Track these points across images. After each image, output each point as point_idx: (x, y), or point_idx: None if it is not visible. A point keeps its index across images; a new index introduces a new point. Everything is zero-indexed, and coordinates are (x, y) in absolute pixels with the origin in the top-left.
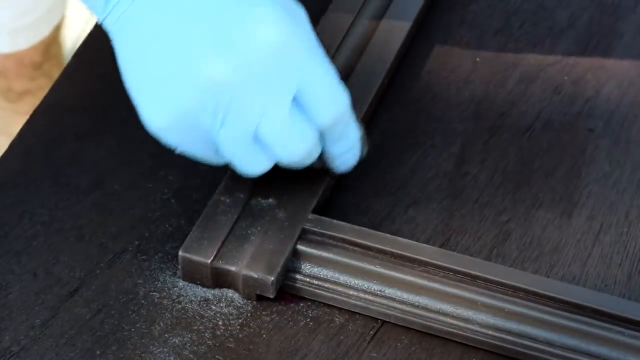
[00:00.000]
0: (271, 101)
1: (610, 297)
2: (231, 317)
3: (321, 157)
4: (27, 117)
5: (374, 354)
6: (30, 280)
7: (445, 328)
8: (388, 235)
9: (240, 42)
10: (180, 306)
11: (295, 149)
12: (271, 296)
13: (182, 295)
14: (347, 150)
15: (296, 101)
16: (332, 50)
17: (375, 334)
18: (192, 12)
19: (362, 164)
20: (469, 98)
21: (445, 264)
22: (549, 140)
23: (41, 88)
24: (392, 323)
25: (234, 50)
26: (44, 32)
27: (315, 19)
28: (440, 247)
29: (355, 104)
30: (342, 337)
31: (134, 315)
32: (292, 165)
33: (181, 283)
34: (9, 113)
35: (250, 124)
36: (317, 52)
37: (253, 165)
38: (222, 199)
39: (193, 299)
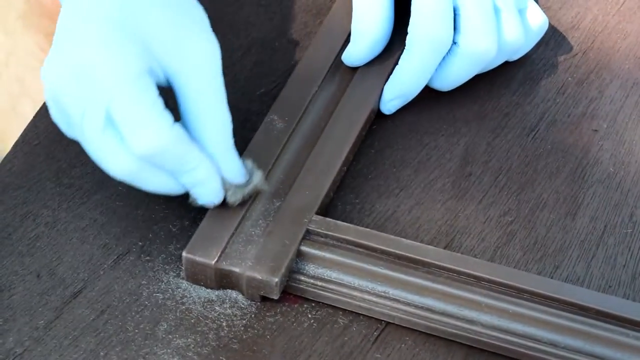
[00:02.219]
0: (87, 113)
1: (614, 298)
2: (235, 318)
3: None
4: None
5: (378, 355)
6: (33, 281)
7: (449, 329)
8: (392, 236)
9: (69, 51)
10: (184, 307)
11: (110, 168)
12: (275, 297)
13: (186, 296)
14: (194, 184)
15: (110, 122)
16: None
17: (379, 335)
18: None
19: (364, 165)
20: (473, 98)
21: (449, 265)
22: (553, 141)
23: None
24: (396, 324)
25: (63, 57)
26: None
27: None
28: (444, 248)
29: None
30: (346, 339)
31: (137, 316)
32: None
33: (185, 284)
34: None
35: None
36: (135, 83)
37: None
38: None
39: (197, 300)
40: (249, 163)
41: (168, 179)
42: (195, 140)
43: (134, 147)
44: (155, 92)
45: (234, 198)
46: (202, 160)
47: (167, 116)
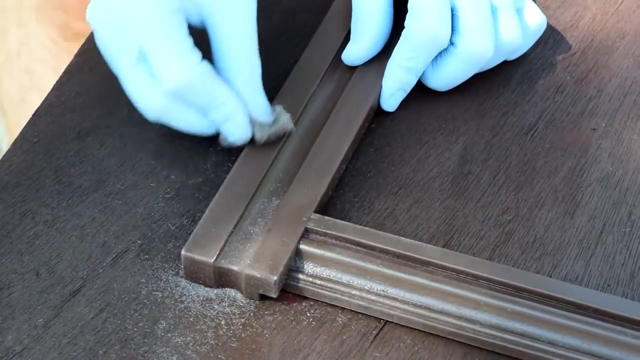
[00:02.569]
0: (122, 48)
1: (613, 297)
2: (234, 317)
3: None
4: (77, 58)
5: (377, 354)
6: (32, 279)
7: (448, 328)
8: (391, 234)
9: None
10: (182, 306)
11: (142, 104)
12: (274, 296)
13: (185, 294)
14: (223, 120)
15: (143, 59)
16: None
17: (378, 333)
18: None
19: (363, 163)
20: (472, 97)
21: (447, 264)
22: (551, 140)
23: None
24: (395, 323)
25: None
26: None
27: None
28: (443, 246)
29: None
30: (344, 337)
31: (136, 314)
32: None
33: (184, 282)
34: (61, 50)
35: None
36: (166, 20)
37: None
38: (224, 198)
39: (195, 298)
40: (277, 107)
41: (197, 116)
42: (224, 78)
43: (163, 81)
44: (185, 30)
45: (260, 134)
46: (230, 96)
47: (196, 53)
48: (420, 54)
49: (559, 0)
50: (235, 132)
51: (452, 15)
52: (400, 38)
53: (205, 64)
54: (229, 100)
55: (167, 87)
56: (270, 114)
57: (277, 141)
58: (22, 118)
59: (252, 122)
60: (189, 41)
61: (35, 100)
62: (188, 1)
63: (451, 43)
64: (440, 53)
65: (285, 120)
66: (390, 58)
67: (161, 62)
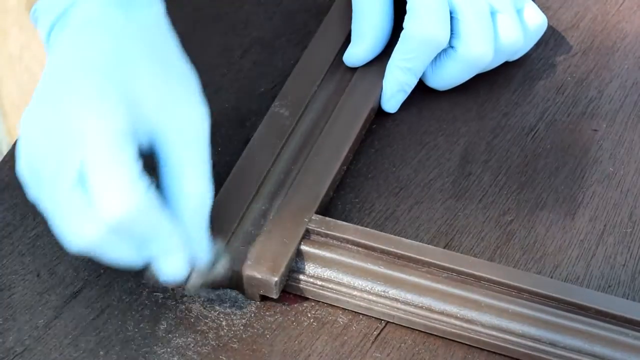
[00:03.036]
0: (59, 168)
1: (614, 297)
2: (235, 318)
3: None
4: None
5: (378, 355)
6: (33, 280)
7: (448, 329)
8: (391, 235)
9: (50, 101)
10: (183, 306)
11: (71, 235)
12: (275, 296)
13: (186, 295)
14: (158, 257)
15: (81, 182)
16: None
17: (378, 334)
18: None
19: (364, 164)
20: (473, 98)
21: (448, 265)
22: (552, 141)
23: None
24: (396, 324)
25: (43, 107)
26: None
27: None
28: (444, 247)
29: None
30: (345, 338)
31: (137, 315)
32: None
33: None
34: None
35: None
36: (114, 142)
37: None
38: (225, 200)
39: (197, 299)
40: (217, 247)
41: (130, 250)
42: (171, 209)
43: (103, 211)
44: (133, 155)
45: (196, 279)
46: (172, 234)
47: (142, 181)
48: (419, 55)
49: (559, 0)
50: (169, 272)
51: (452, 18)
52: (399, 39)
53: (151, 194)
54: (171, 237)
55: (106, 218)
56: (208, 257)
57: (273, 148)
58: None
59: (190, 266)
60: (136, 167)
61: None
62: (139, 123)
63: (451, 46)
64: (440, 56)
65: (221, 268)
66: (390, 59)
67: (103, 189)
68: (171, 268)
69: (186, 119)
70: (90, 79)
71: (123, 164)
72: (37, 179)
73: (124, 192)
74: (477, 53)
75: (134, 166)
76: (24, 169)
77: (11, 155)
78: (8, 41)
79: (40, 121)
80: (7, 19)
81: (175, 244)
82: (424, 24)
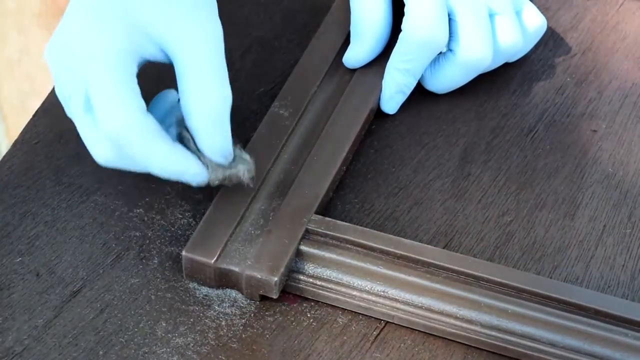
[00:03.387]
0: (72, 92)
1: (613, 298)
2: (234, 318)
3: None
4: None
5: (377, 355)
6: (33, 280)
7: (448, 329)
8: (391, 236)
9: (60, 31)
10: (183, 306)
11: (91, 152)
12: (274, 296)
13: (186, 295)
14: (169, 176)
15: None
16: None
17: (378, 334)
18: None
19: (364, 164)
20: (472, 99)
21: (448, 265)
22: (552, 141)
23: None
24: (395, 324)
25: (56, 37)
26: None
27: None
28: (444, 247)
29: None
30: (345, 338)
31: (137, 315)
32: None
33: (184, 283)
34: None
35: (68, 99)
36: (110, 65)
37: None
38: (225, 199)
39: (196, 299)
40: (238, 149)
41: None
42: (186, 114)
43: (102, 126)
44: (132, 74)
45: (214, 175)
46: (169, 155)
47: (138, 101)
48: (417, 56)
49: (559, 1)
50: (189, 180)
51: (450, 20)
52: (397, 41)
53: (147, 116)
54: (168, 159)
55: (106, 132)
56: (228, 158)
57: (273, 148)
58: (22, 123)
59: (206, 162)
60: (134, 87)
61: (36, 106)
62: (143, 37)
63: (450, 50)
64: (438, 58)
65: (242, 169)
66: (388, 61)
67: (100, 108)
68: (188, 178)
69: (196, 34)
70: (92, 4)
71: (119, 83)
72: (64, 103)
73: (118, 110)
74: (476, 56)
75: (131, 86)
76: (57, 94)
77: (10, 155)
78: (7, 45)
79: (54, 49)
80: (6, 23)
81: (175, 166)
82: (422, 26)
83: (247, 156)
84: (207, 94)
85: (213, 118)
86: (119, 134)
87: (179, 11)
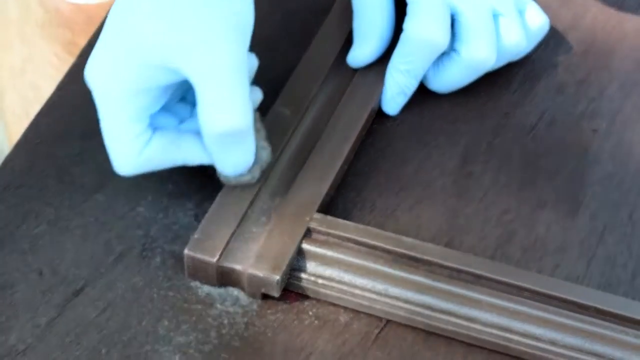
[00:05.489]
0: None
1: (614, 296)
2: (236, 316)
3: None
4: (80, 58)
5: (379, 353)
6: (35, 279)
7: (449, 327)
8: (392, 234)
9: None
10: (185, 305)
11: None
12: (276, 295)
13: (188, 293)
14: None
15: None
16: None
17: (379, 332)
18: None
19: (365, 163)
20: (473, 98)
21: (449, 264)
22: (553, 141)
23: None
24: (397, 322)
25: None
26: None
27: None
28: (445, 246)
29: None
30: (346, 336)
31: (139, 313)
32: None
33: (186, 281)
34: (67, 66)
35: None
36: (117, 108)
37: None
38: (228, 198)
39: (198, 297)
40: (261, 139)
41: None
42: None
43: (114, 168)
44: (140, 113)
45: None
46: (189, 156)
47: (141, 140)
48: (418, 57)
49: (559, 0)
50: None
51: (454, 21)
52: (399, 41)
53: (149, 149)
54: (191, 158)
55: (119, 173)
56: (242, 171)
57: (274, 147)
58: None
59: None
60: (137, 126)
61: None
62: (159, 70)
63: (453, 50)
64: (442, 59)
65: (262, 161)
66: (390, 62)
67: (109, 148)
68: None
69: (210, 61)
70: (110, 38)
71: (123, 124)
72: None
73: (122, 153)
74: (479, 57)
75: (135, 125)
76: None
77: (13, 155)
78: (10, 53)
79: (93, 73)
80: (9, 31)
81: (199, 159)
82: (423, 27)
83: (264, 152)
84: (216, 122)
85: (221, 144)
86: (131, 173)
87: (194, 39)
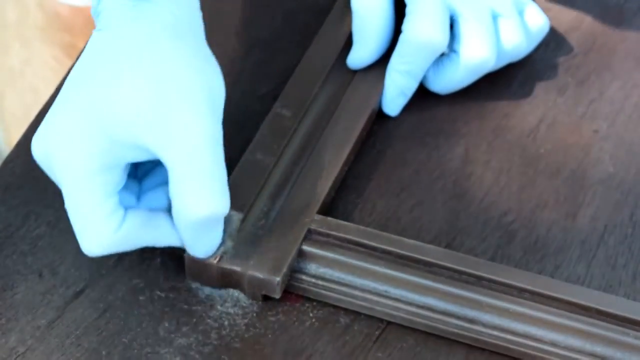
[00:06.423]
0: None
1: (615, 297)
2: (237, 317)
3: None
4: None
5: (379, 355)
6: (36, 280)
7: (450, 329)
8: (393, 235)
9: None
10: (186, 306)
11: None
12: (277, 296)
13: (188, 295)
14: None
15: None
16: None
17: (380, 334)
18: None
19: (366, 164)
20: (473, 99)
21: (450, 265)
22: (553, 142)
23: None
24: (398, 324)
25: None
26: None
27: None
28: (445, 247)
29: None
30: (347, 338)
31: (139, 315)
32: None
33: (187, 283)
34: (66, 68)
35: None
36: (85, 188)
37: None
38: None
39: (199, 299)
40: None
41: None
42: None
43: (83, 249)
44: (110, 190)
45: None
46: (161, 237)
47: (115, 218)
48: (417, 58)
49: (560, 2)
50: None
51: (454, 22)
52: (398, 43)
53: (124, 229)
54: (163, 239)
55: (88, 254)
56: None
57: (274, 149)
58: None
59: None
60: (109, 204)
61: None
62: (128, 147)
63: (453, 51)
64: (442, 60)
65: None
66: (389, 63)
67: (77, 228)
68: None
69: (183, 141)
70: (74, 112)
71: (93, 203)
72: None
73: (93, 232)
74: (479, 58)
75: (106, 204)
76: None
77: (13, 156)
78: (9, 56)
79: (39, 146)
80: (8, 33)
81: (169, 241)
82: (421, 28)
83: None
84: (194, 209)
85: (196, 230)
86: (100, 253)
87: (168, 117)
